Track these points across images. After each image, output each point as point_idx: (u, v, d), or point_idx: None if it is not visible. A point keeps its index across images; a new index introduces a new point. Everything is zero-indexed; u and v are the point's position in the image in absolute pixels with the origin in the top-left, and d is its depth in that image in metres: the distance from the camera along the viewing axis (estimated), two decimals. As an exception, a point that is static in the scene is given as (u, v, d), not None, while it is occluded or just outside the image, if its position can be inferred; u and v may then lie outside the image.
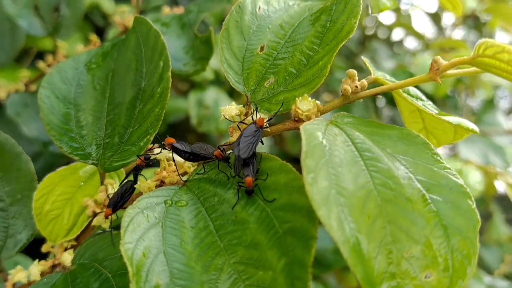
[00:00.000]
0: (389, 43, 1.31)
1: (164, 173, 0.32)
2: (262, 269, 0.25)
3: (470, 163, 0.72)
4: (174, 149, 0.32)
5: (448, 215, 0.25)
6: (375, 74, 0.32)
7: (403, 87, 0.30)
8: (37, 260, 0.36)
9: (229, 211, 0.28)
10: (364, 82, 0.31)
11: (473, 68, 0.29)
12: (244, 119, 0.32)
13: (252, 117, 0.31)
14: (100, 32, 0.83)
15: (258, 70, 0.33)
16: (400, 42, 1.38)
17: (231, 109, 0.31)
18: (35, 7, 0.70)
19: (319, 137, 0.27)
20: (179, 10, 0.58)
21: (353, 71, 0.30)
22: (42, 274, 0.35)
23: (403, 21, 1.23)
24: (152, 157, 0.33)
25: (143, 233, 0.27)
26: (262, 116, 0.31)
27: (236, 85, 0.33)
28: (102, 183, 0.36)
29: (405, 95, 0.31)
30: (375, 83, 0.32)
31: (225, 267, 0.26)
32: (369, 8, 0.49)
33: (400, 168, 0.27)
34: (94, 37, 0.62)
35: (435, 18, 1.45)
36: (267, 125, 0.31)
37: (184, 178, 0.32)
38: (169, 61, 0.36)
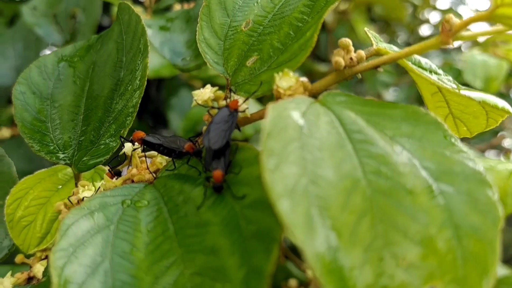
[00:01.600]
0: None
1: (134, 170, 0.28)
2: (220, 281, 0.20)
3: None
4: (146, 143, 0.27)
5: (461, 210, 0.19)
6: (379, 45, 0.26)
7: (408, 55, 0.24)
8: (10, 271, 0.32)
9: (193, 212, 0.23)
10: (362, 53, 0.25)
11: (495, 27, 0.23)
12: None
13: (226, 101, 0.26)
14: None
15: (240, 48, 0.29)
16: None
17: (204, 92, 0.27)
18: (53, 16, 0.69)
19: (293, 116, 0.21)
20: (189, 5, 0.55)
21: (347, 40, 0.25)
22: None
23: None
24: (121, 153, 0.29)
25: (86, 239, 0.22)
26: (237, 98, 0.26)
27: (214, 66, 0.29)
28: (76, 184, 0.32)
29: (415, 67, 0.25)
30: (378, 56, 0.26)
31: (180, 279, 0.21)
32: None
33: (400, 152, 0.21)
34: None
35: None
36: (246, 109, 0.26)
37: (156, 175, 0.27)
38: (147, 47, 0.32)
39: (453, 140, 0.22)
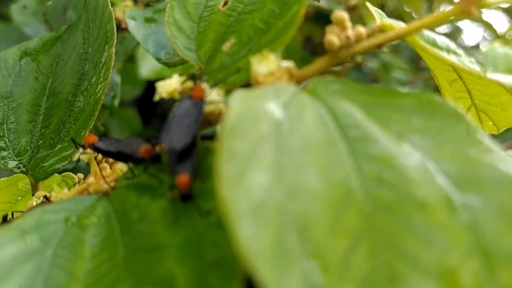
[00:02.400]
0: (451, 37, 1.17)
1: (91, 179, 0.23)
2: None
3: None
4: (97, 150, 0.23)
5: (493, 230, 0.14)
6: (383, 20, 0.21)
7: (419, 29, 0.19)
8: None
9: (149, 231, 0.18)
10: (361, 29, 0.20)
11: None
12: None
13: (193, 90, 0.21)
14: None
15: (216, 31, 0.24)
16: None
17: (170, 84, 0.22)
18: (43, 14, 0.65)
19: (269, 108, 0.16)
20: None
21: (342, 15, 0.20)
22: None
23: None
24: (74, 159, 0.24)
25: (12, 268, 0.17)
26: (204, 86, 0.21)
27: (185, 53, 0.24)
28: (33, 195, 0.27)
29: (428, 46, 0.20)
30: (382, 33, 0.21)
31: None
32: None
33: (410, 153, 0.16)
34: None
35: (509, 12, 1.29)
36: (220, 102, 0.21)
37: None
38: (114, 35, 0.27)
39: (478, 136, 0.17)
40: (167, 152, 0.20)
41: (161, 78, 0.56)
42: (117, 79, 0.49)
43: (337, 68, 0.86)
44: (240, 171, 0.14)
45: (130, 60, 0.94)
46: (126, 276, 0.17)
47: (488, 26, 0.95)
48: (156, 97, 0.22)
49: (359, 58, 0.20)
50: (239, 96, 0.16)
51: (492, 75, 0.20)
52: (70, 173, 0.30)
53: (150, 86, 0.98)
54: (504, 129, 0.27)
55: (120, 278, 0.17)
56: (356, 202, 0.15)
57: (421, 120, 0.18)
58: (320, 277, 0.13)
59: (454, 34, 1.25)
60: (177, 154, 0.19)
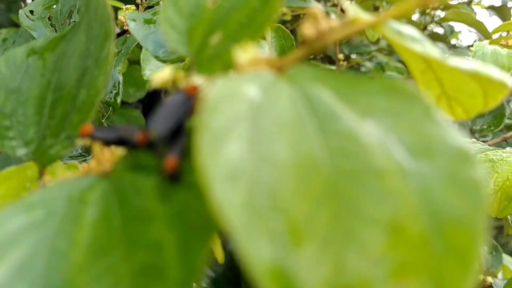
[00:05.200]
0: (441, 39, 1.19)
1: (93, 163, 0.26)
2: (159, 280, 0.17)
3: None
4: (94, 139, 0.25)
5: (440, 192, 0.16)
6: (358, 14, 0.23)
7: (385, 20, 0.21)
8: None
9: (142, 205, 0.21)
10: (333, 22, 0.22)
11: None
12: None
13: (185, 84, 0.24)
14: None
15: (205, 25, 0.26)
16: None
17: (163, 74, 0.24)
18: (48, 18, 0.67)
19: (247, 89, 0.18)
20: None
21: (315, 10, 0.22)
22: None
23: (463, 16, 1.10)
24: (77, 145, 0.26)
25: (18, 237, 0.20)
26: (197, 80, 0.23)
27: (178, 47, 0.26)
28: (39, 181, 0.30)
29: (395, 37, 0.22)
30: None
31: (120, 280, 0.18)
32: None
33: (371, 129, 0.18)
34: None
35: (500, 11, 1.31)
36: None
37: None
38: (112, 32, 0.29)
39: (434, 115, 0.19)
40: (156, 137, 0.22)
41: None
42: (120, 77, 0.51)
43: (332, 67, 0.89)
44: (216, 142, 0.16)
45: (135, 63, 0.96)
46: (121, 243, 0.19)
47: (479, 26, 0.97)
48: (152, 87, 0.24)
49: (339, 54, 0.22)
50: (220, 80, 0.18)
51: (452, 61, 0.22)
52: (75, 162, 0.32)
53: (153, 91, 1.00)
54: (473, 114, 0.29)
55: (117, 245, 0.19)
56: (321, 171, 0.17)
57: (384, 102, 0.20)
58: (285, 233, 0.15)
59: (449, 36, 1.26)
60: (163, 139, 0.22)
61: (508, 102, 1.18)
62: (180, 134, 0.22)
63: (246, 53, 0.22)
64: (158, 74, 0.24)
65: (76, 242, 0.20)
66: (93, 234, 0.20)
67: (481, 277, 0.75)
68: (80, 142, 0.26)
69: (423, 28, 1.34)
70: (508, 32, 0.92)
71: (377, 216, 0.16)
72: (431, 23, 1.35)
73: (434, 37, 1.34)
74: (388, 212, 0.16)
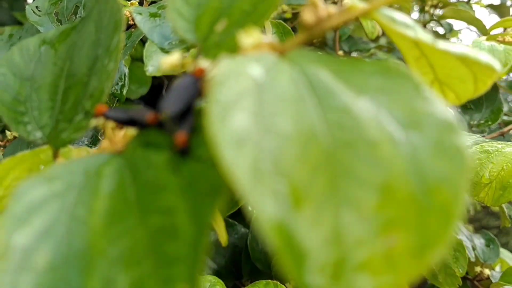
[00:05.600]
0: (441, 38, 1.20)
1: (106, 143, 0.27)
2: (173, 239, 0.19)
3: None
4: (108, 117, 0.27)
5: (427, 157, 0.18)
6: (352, 1, 0.25)
7: (379, 7, 0.23)
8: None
9: (155, 176, 0.22)
10: (331, 9, 0.24)
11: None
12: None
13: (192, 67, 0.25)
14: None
15: (211, 14, 0.28)
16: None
17: (171, 58, 0.26)
18: (55, 14, 0.69)
19: (251, 69, 0.20)
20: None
21: (315, -3, 0.24)
22: None
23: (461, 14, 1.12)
24: (90, 126, 0.28)
25: (42, 205, 0.21)
26: (204, 63, 0.25)
27: (186, 35, 0.28)
28: (54, 162, 0.31)
29: (389, 23, 0.24)
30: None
31: (136, 242, 0.20)
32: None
33: (366, 105, 0.20)
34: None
35: (499, 10, 1.33)
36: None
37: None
38: (121, 21, 0.31)
39: (425, 92, 0.21)
40: (167, 116, 0.24)
41: (164, 74, 0.60)
42: (126, 70, 0.53)
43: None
44: (225, 112, 0.18)
45: (137, 60, 0.98)
46: (136, 209, 0.21)
47: (477, 24, 0.98)
48: (160, 72, 0.26)
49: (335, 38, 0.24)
50: (226, 60, 0.20)
51: (442, 44, 0.24)
52: (86, 147, 0.34)
53: (153, 88, 1.02)
54: (465, 99, 0.30)
55: (132, 211, 0.21)
56: (320, 141, 0.19)
57: (379, 81, 0.22)
58: (287, 194, 0.17)
59: (447, 34, 1.28)
60: (174, 118, 0.23)
61: (505, 99, 1.20)
62: (188, 113, 0.23)
63: (250, 37, 0.23)
64: (167, 59, 0.26)
65: (94, 210, 0.21)
66: (110, 203, 0.22)
67: (479, 269, 0.77)
68: (94, 122, 0.27)
69: (423, 26, 1.35)
70: (505, 28, 0.94)
71: (370, 179, 0.17)
72: (430, 21, 1.37)
73: (434, 35, 1.35)
74: (380, 175, 0.17)
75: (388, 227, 0.16)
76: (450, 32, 1.32)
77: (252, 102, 0.19)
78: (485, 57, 0.25)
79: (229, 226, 0.82)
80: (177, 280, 0.17)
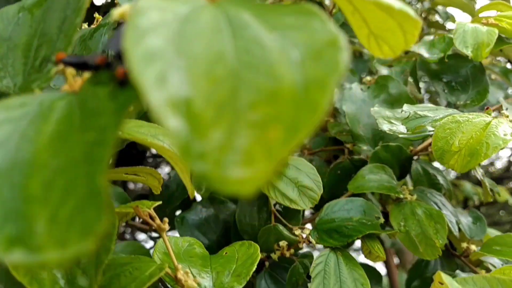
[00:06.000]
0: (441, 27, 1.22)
1: (66, 87, 0.30)
2: (101, 146, 0.22)
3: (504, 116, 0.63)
4: (65, 63, 0.30)
5: (310, 66, 0.21)
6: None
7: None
8: None
9: (97, 104, 0.25)
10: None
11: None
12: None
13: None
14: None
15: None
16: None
17: (122, 8, 0.29)
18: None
19: (174, 6, 0.23)
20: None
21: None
22: None
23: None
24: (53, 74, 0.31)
25: (-3, 126, 0.25)
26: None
27: None
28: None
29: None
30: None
31: (74, 156, 0.23)
32: None
33: (274, 37, 0.23)
34: (98, 16, 0.63)
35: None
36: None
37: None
38: (88, -16, 0.34)
39: (328, 25, 0.24)
40: (111, 55, 0.27)
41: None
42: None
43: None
44: (140, 35, 0.21)
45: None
46: (78, 131, 0.24)
47: (467, 9, 1.00)
48: (112, 18, 0.29)
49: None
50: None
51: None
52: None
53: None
54: (399, 52, 0.33)
55: (74, 132, 0.24)
56: (226, 62, 0.21)
57: (292, 19, 0.24)
58: (189, 98, 0.20)
59: (445, 21, 1.29)
60: (115, 56, 0.26)
61: (501, 85, 1.21)
62: None
63: (184, -15, 0.26)
64: (118, 9, 0.29)
65: (42, 132, 0.25)
66: (56, 127, 0.25)
67: (465, 245, 0.79)
68: (55, 68, 0.31)
69: (423, 17, 1.37)
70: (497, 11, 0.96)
71: (264, 88, 0.20)
72: (428, 10, 1.38)
73: (435, 25, 1.36)
74: (272, 84, 0.20)
75: (267, 124, 0.19)
76: (446, 19, 1.33)
77: (171, 31, 0.22)
78: (398, 4, 0.27)
79: (220, 203, 0.85)
80: (97, 173, 0.21)
